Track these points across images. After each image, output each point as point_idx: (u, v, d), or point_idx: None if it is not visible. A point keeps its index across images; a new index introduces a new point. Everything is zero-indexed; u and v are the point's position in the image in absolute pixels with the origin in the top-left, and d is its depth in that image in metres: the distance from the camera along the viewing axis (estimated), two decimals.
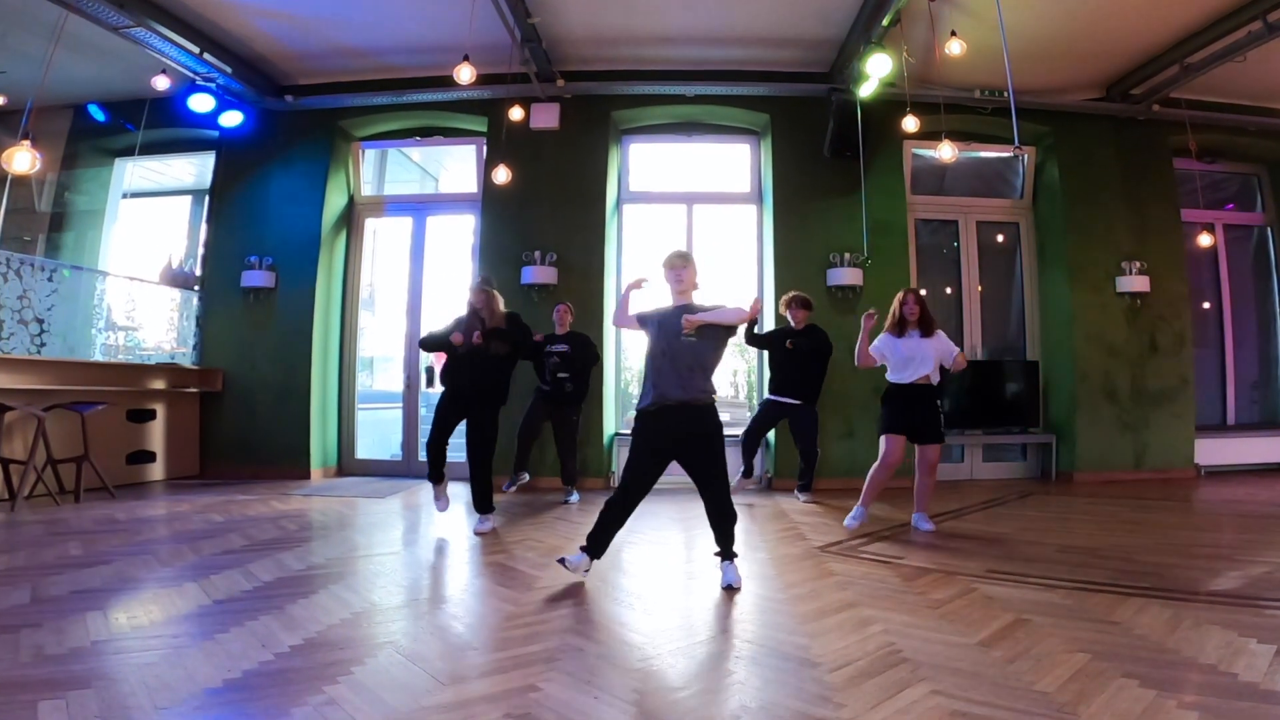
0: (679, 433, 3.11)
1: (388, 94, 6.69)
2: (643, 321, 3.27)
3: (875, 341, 4.40)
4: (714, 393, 3.18)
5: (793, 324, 5.65)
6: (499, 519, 4.64)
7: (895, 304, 4.41)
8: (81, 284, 6.10)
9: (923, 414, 4.25)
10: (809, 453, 5.62)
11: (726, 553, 3.20)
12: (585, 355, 5.58)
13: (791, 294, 5.73)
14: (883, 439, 4.31)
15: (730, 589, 3.06)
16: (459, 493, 5.06)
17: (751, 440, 5.70)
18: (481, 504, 4.40)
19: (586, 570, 3.24)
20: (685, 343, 3.05)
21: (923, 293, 4.49)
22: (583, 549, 3.23)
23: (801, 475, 5.70)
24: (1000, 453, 6.99)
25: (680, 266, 3.18)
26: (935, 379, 4.29)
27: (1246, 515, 4.89)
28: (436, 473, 4.53)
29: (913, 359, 4.27)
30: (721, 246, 7.20)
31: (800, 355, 5.53)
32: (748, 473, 5.73)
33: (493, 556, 3.75)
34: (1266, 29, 5.13)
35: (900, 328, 4.36)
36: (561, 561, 3.19)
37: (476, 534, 4.29)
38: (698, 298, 3.25)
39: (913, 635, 2.46)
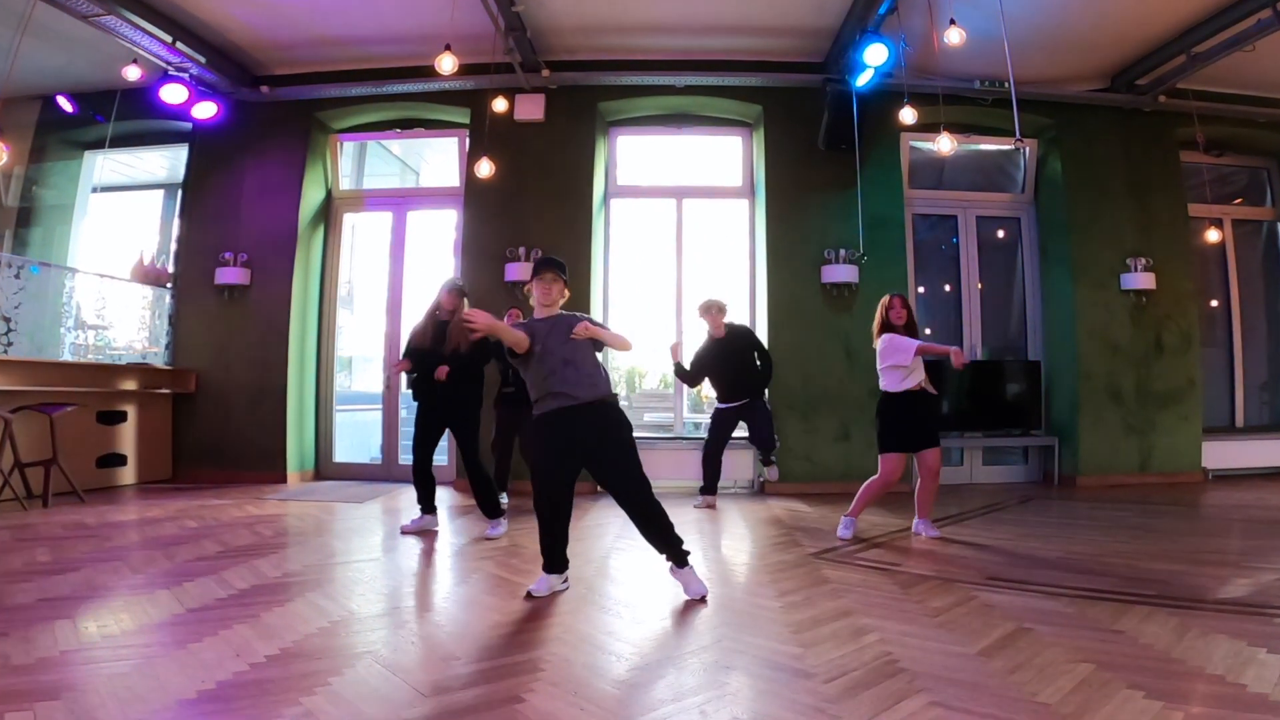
0: (592, 435, 3.02)
1: (367, 84, 6.56)
2: (530, 333, 3.12)
3: (899, 339, 4.18)
4: (615, 392, 3.17)
5: (713, 332, 5.43)
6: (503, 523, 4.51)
7: (881, 309, 4.30)
8: (49, 281, 5.99)
9: (925, 424, 4.19)
10: (766, 443, 5.42)
11: (674, 558, 3.06)
12: None
13: (704, 301, 5.48)
14: (883, 458, 4.20)
15: (700, 600, 2.93)
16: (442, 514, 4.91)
17: (713, 454, 5.50)
18: (489, 509, 4.37)
19: (565, 583, 3.13)
20: (576, 342, 3.03)
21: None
22: (544, 571, 3.10)
23: (765, 459, 5.48)
24: (1001, 456, 6.89)
25: (552, 281, 3.15)
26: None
27: (1255, 520, 4.83)
28: (426, 502, 4.44)
29: (918, 364, 4.20)
30: (712, 242, 7.10)
31: (732, 360, 5.37)
32: (707, 489, 5.50)
33: (477, 563, 3.69)
34: (1276, 17, 5.04)
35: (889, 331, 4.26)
36: (528, 595, 3.00)
37: (488, 538, 4.22)
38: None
39: (910, 644, 2.40)
